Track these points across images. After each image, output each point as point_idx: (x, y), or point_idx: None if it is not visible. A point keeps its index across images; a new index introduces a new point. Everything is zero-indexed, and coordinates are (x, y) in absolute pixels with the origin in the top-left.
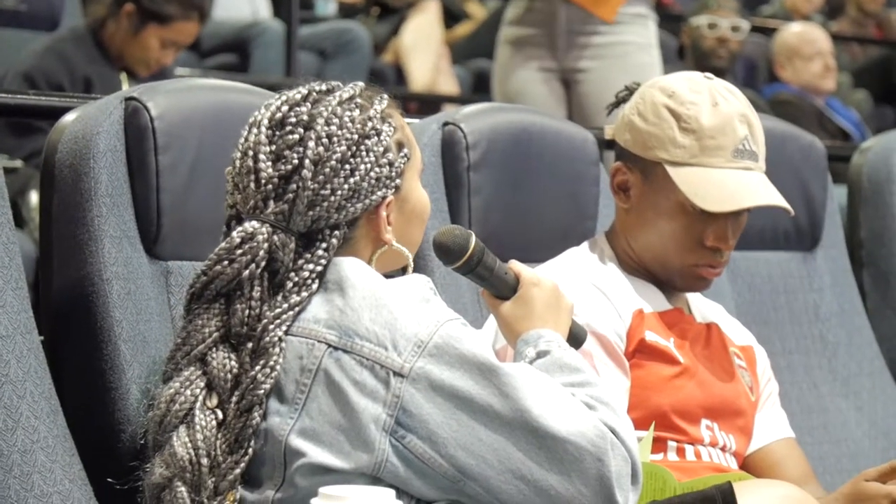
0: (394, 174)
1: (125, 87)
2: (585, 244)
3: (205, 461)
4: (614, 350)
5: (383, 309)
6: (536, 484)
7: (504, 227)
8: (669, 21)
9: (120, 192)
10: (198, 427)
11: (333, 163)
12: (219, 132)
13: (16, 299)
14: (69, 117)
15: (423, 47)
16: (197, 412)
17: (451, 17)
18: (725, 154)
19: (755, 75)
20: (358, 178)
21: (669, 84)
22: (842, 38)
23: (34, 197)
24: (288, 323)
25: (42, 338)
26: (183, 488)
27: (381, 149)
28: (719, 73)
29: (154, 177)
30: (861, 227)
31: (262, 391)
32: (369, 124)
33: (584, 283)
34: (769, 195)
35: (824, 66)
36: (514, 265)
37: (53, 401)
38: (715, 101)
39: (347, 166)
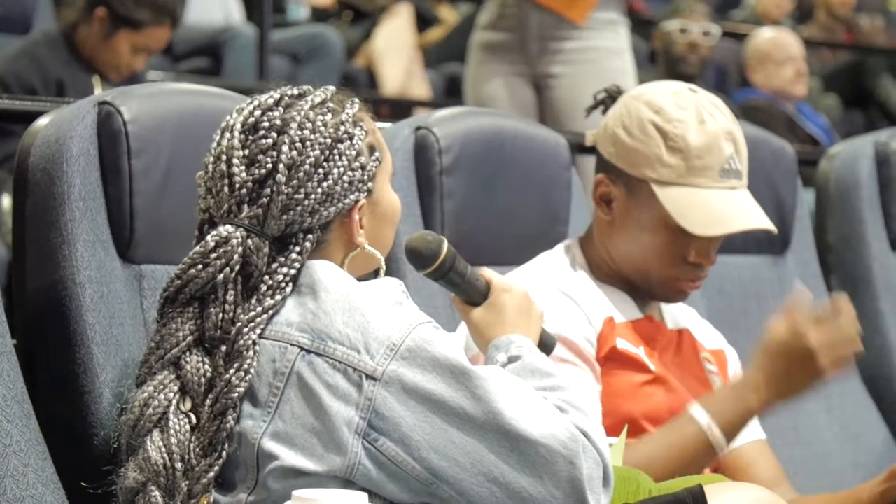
0: (366, 178)
1: (98, 90)
2: (557, 249)
3: (179, 465)
4: (584, 355)
5: (356, 312)
6: (509, 486)
7: (477, 231)
8: (641, 26)
9: (93, 195)
10: (171, 431)
11: (307, 167)
12: (192, 136)
13: None
14: (42, 121)
15: (395, 52)
16: (171, 416)
17: (424, 21)
18: (712, 174)
19: (726, 80)
20: (331, 181)
21: (656, 99)
22: (812, 43)
23: (6, 201)
24: (262, 326)
25: (15, 341)
26: (157, 492)
27: (354, 152)
28: (690, 78)
29: (127, 181)
30: (829, 233)
31: (237, 394)
32: (342, 128)
33: (554, 291)
34: (754, 218)
35: (796, 72)
36: (485, 272)
37: (26, 404)
38: (702, 118)
39: (321, 170)
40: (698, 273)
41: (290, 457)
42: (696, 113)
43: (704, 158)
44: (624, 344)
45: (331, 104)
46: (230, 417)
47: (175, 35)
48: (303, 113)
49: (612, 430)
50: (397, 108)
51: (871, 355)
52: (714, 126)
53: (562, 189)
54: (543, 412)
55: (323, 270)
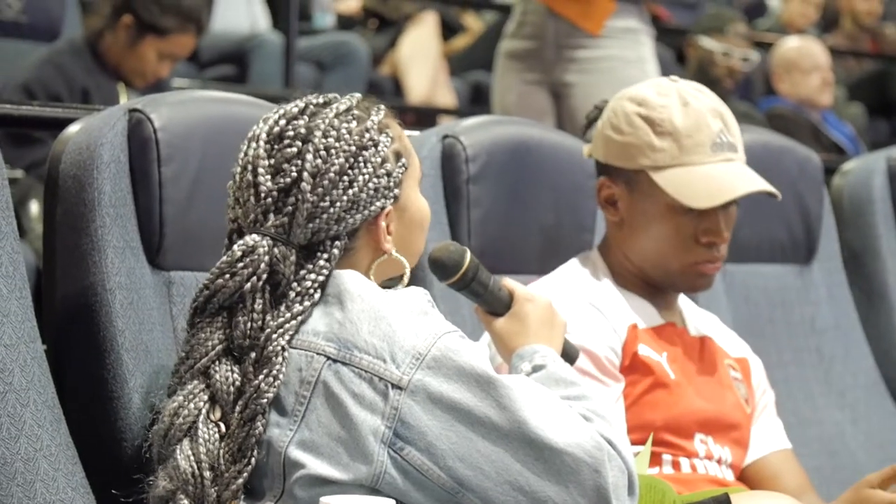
0: (392, 184)
1: (123, 98)
2: (577, 259)
3: (207, 474)
4: (608, 369)
5: (382, 321)
6: (534, 495)
7: (503, 239)
8: (666, 35)
9: (123, 202)
10: (201, 440)
11: (332, 175)
12: (221, 144)
13: (20, 308)
14: (73, 128)
15: (420, 60)
16: (200, 425)
17: (449, 29)
18: (704, 150)
19: (751, 89)
20: (356, 189)
21: (638, 93)
22: (837, 52)
23: (35, 207)
24: (291, 332)
25: (45, 347)
26: (186, 501)
27: (379, 160)
28: (722, 96)
29: (157, 188)
30: (844, 247)
31: (266, 400)
32: (367, 135)
33: (579, 301)
34: (753, 182)
35: (822, 81)
36: (508, 282)
37: (56, 410)
38: (685, 100)
39: (346, 178)
40: (714, 254)
41: (316, 465)
42: (678, 97)
43: (694, 136)
44: (646, 350)
45: (356, 112)
46: (259, 423)
47: (201, 42)
48: (327, 121)
49: (634, 440)
50: (422, 117)
51: (889, 367)
52: (698, 105)
53: (587, 197)
54: (568, 421)
55: (350, 280)
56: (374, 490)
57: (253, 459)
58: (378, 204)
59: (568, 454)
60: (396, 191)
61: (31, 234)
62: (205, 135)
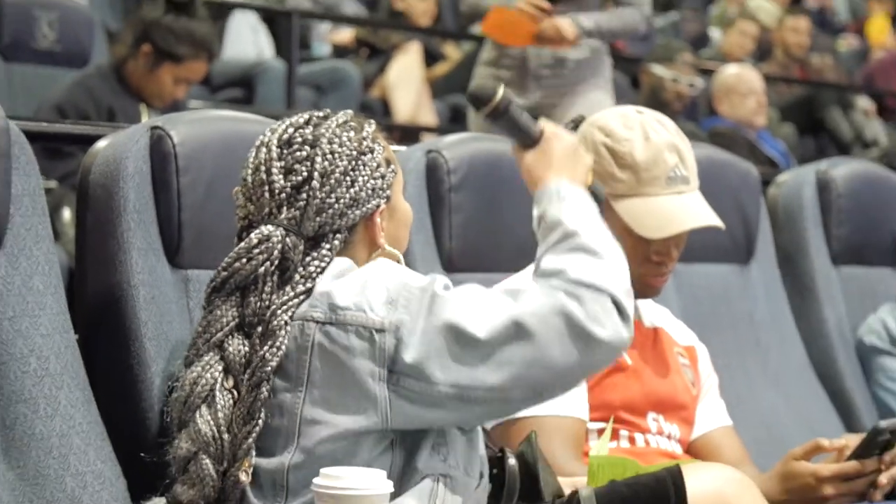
0: (385, 186)
1: (144, 117)
2: None
3: (226, 436)
4: None
5: (358, 282)
6: (524, 362)
7: (481, 242)
8: (622, 62)
9: (146, 209)
10: (218, 406)
11: (338, 175)
12: (232, 156)
13: (55, 302)
14: (101, 143)
15: (406, 84)
16: (217, 393)
17: (431, 57)
18: (660, 182)
19: (696, 110)
20: (357, 188)
21: (606, 123)
22: (770, 79)
23: (67, 213)
24: (293, 309)
25: (77, 336)
26: (207, 460)
27: (375, 164)
28: (672, 116)
29: (176, 196)
30: (777, 249)
31: (269, 368)
32: (364, 143)
33: None
34: (701, 217)
35: (757, 103)
36: (542, 121)
37: (87, 391)
38: (647, 134)
39: (349, 178)
40: (662, 270)
41: (330, 418)
42: (641, 131)
43: (651, 170)
44: None
45: (352, 124)
46: (264, 389)
47: (212, 68)
48: (331, 130)
49: (595, 417)
50: (408, 134)
51: (818, 354)
52: (658, 139)
53: None
54: (530, 297)
55: (343, 263)
56: (386, 433)
57: (261, 421)
58: (374, 202)
59: (529, 317)
60: (388, 192)
61: (64, 237)
62: (217, 149)
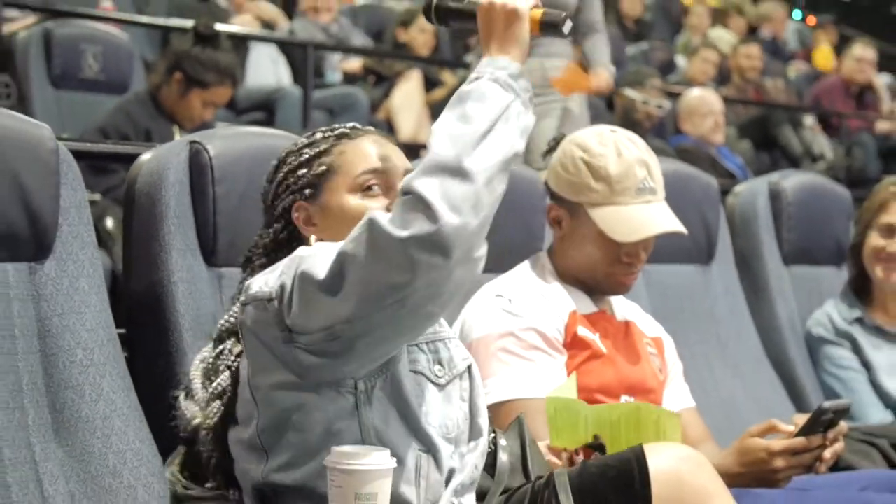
0: (301, 185)
1: (177, 137)
2: (529, 261)
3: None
4: (555, 345)
5: (273, 267)
6: (360, 285)
7: None
8: None
9: (185, 214)
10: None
11: (271, 172)
12: (261, 167)
13: (99, 301)
14: (146, 156)
15: (408, 107)
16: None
17: (430, 83)
18: (630, 193)
19: (664, 129)
20: (276, 184)
21: (584, 140)
22: (729, 100)
23: (110, 222)
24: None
25: (123, 330)
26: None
27: (297, 164)
28: (641, 134)
29: (211, 202)
30: (735, 252)
31: (217, 332)
32: (296, 148)
33: (531, 292)
34: (667, 223)
35: (715, 123)
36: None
37: (127, 379)
38: (619, 151)
39: (276, 175)
40: (632, 269)
41: (269, 378)
42: (614, 148)
43: (623, 182)
44: (583, 331)
45: (308, 137)
46: (225, 350)
47: (236, 93)
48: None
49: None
50: (410, 151)
51: (771, 344)
52: (629, 156)
53: (538, 214)
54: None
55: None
56: (319, 384)
57: (223, 380)
58: (288, 197)
59: (343, 249)
60: (307, 190)
61: (107, 243)
62: (248, 161)
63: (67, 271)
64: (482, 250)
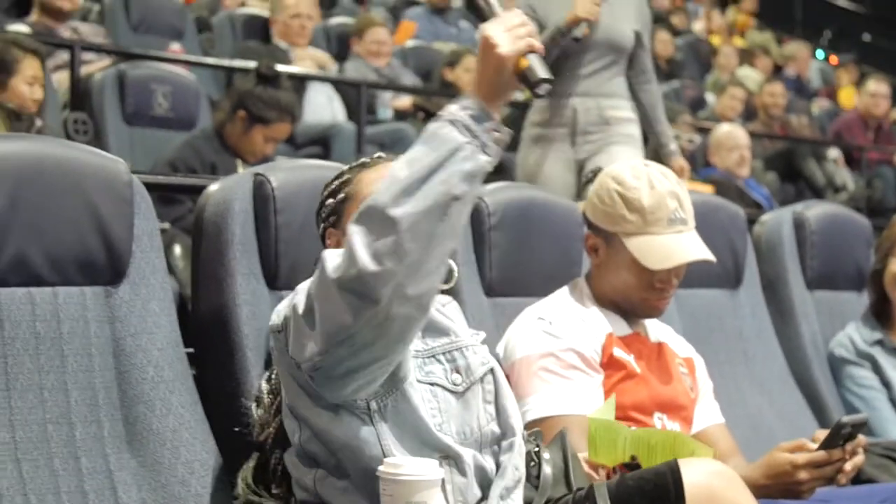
0: (328, 213)
1: (240, 170)
2: (568, 286)
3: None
4: (593, 364)
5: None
6: (321, 322)
7: (515, 271)
8: None
9: (249, 241)
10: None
11: (318, 206)
12: (318, 198)
13: (168, 322)
14: (213, 188)
15: None
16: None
17: None
18: (662, 223)
19: (694, 161)
20: (315, 213)
21: (619, 173)
22: (755, 135)
23: (178, 249)
24: None
25: (190, 349)
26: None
27: (326, 195)
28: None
29: (274, 230)
30: (762, 277)
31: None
32: (330, 179)
33: (570, 315)
34: (697, 252)
35: (741, 157)
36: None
37: (195, 395)
38: (652, 184)
39: (319, 205)
40: (664, 295)
41: (294, 399)
42: (647, 181)
43: (656, 213)
44: (619, 352)
45: (345, 168)
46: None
47: (295, 129)
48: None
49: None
50: None
51: (795, 364)
52: (661, 188)
53: (576, 241)
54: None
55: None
56: (351, 407)
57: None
58: (321, 225)
59: (308, 290)
60: (332, 218)
61: (175, 269)
62: (307, 192)
63: (140, 294)
64: (423, 287)
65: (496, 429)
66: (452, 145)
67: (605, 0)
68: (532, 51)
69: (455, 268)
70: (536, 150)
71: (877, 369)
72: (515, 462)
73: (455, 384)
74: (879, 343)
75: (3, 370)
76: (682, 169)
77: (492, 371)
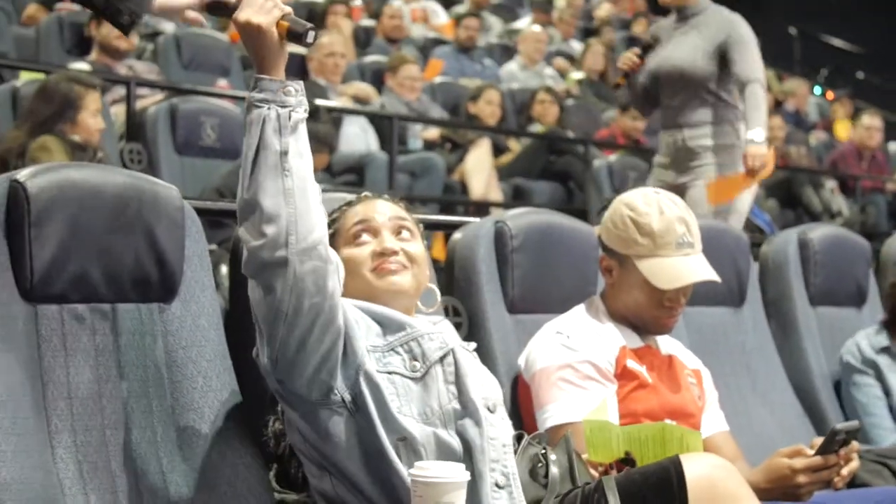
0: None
1: None
2: (584, 304)
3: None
4: (607, 375)
5: None
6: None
7: (536, 290)
8: (640, 153)
9: None
10: None
11: None
12: None
13: (216, 336)
14: None
15: (479, 170)
16: None
17: (498, 150)
18: (671, 247)
19: None
20: None
21: (631, 200)
22: None
23: (224, 269)
24: None
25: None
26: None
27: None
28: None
29: None
30: (768, 293)
31: None
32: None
33: (586, 330)
34: (702, 273)
35: None
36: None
37: (238, 399)
38: (662, 210)
39: None
40: (673, 312)
41: (287, 414)
42: (657, 207)
43: (665, 237)
44: (632, 364)
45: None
46: None
47: (333, 158)
48: None
49: (623, 423)
50: (480, 208)
51: (798, 376)
52: (670, 214)
53: (592, 262)
54: None
55: None
56: (315, 406)
57: None
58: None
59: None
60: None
61: (221, 287)
62: None
63: (190, 311)
64: (310, 239)
65: (457, 406)
66: (258, 119)
67: (669, 38)
68: (284, 15)
69: (437, 292)
70: (651, 179)
71: (879, 376)
72: (491, 434)
73: (414, 370)
74: (886, 350)
75: (65, 380)
76: (753, 162)
77: (452, 352)
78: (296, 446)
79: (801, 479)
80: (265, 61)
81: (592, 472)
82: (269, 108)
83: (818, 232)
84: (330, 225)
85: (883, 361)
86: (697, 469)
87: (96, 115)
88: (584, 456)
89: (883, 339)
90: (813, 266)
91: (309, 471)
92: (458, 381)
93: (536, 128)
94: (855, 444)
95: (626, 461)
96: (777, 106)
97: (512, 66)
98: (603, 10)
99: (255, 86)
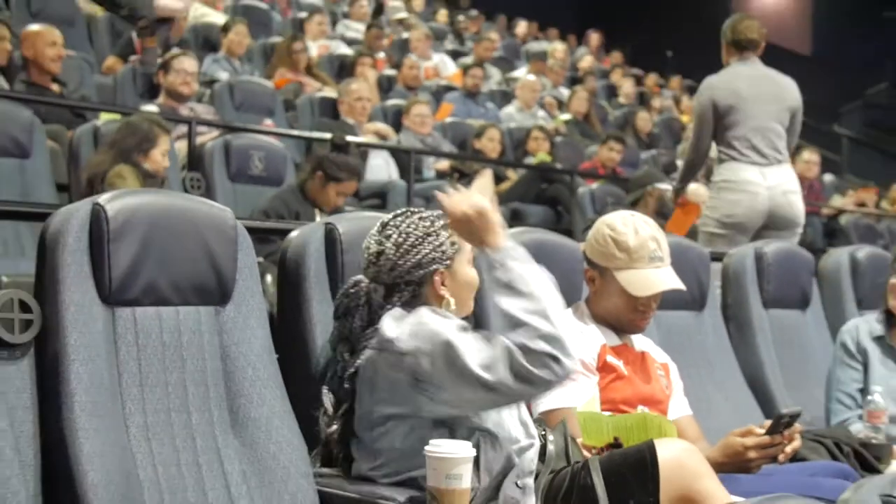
0: (445, 257)
1: (318, 218)
2: (572, 308)
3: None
4: (589, 367)
5: (402, 321)
6: (504, 395)
7: None
8: (619, 182)
9: (321, 275)
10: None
11: (406, 246)
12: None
13: (263, 334)
14: (294, 233)
15: (482, 196)
16: (328, 381)
17: (498, 178)
18: (644, 261)
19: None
20: (420, 256)
21: (611, 221)
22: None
23: (269, 278)
24: (371, 338)
25: (278, 355)
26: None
27: (438, 242)
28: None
29: (340, 267)
30: (728, 297)
31: (347, 373)
32: (431, 229)
33: (573, 330)
34: (670, 282)
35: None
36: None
37: (283, 390)
38: (636, 230)
39: (415, 249)
40: (645, 315)
41: (385, 408)
42: (633, 227)
43: (639, 252)
44: (611, 359)
45: (426, 216)
46: (346, 384)
47: (360, 186)
48: (409, 219)
49: (603, 409)
50: None
51: (751, 369)
52: (644, 233)
53: (577, 274)
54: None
55: (400, 311)
56: (425, 418)
57: (345, 405)
58: (434, 267)
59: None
60: (447, 262)
61: (267, 293)
62: (365, 236)
63: (242, 313)
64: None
65: (518, 433)
66: (532, 268)
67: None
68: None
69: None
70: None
71: (867, 362)
72: (531, 456)
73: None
74: (880, 339)
75: (137, 370)
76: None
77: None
78: (364, 434)
79: (752, 454)
80: (477, 235)
81: (586, 453)
82: (530, 264)
83: (772, 246)
84: (453, 243)
85: (874, 350)
86: (668, 452)
87: (165, 155)
88: (579, 440)
89: (879, 329)
90: (766, 275)
91: (358, 454)
92: (521, 415)
93: (531, 160)
94: (797, 426)
95: (615, 445)
96: None
97: (510, 109)
98: (586, 62)
99: (503, 253)
